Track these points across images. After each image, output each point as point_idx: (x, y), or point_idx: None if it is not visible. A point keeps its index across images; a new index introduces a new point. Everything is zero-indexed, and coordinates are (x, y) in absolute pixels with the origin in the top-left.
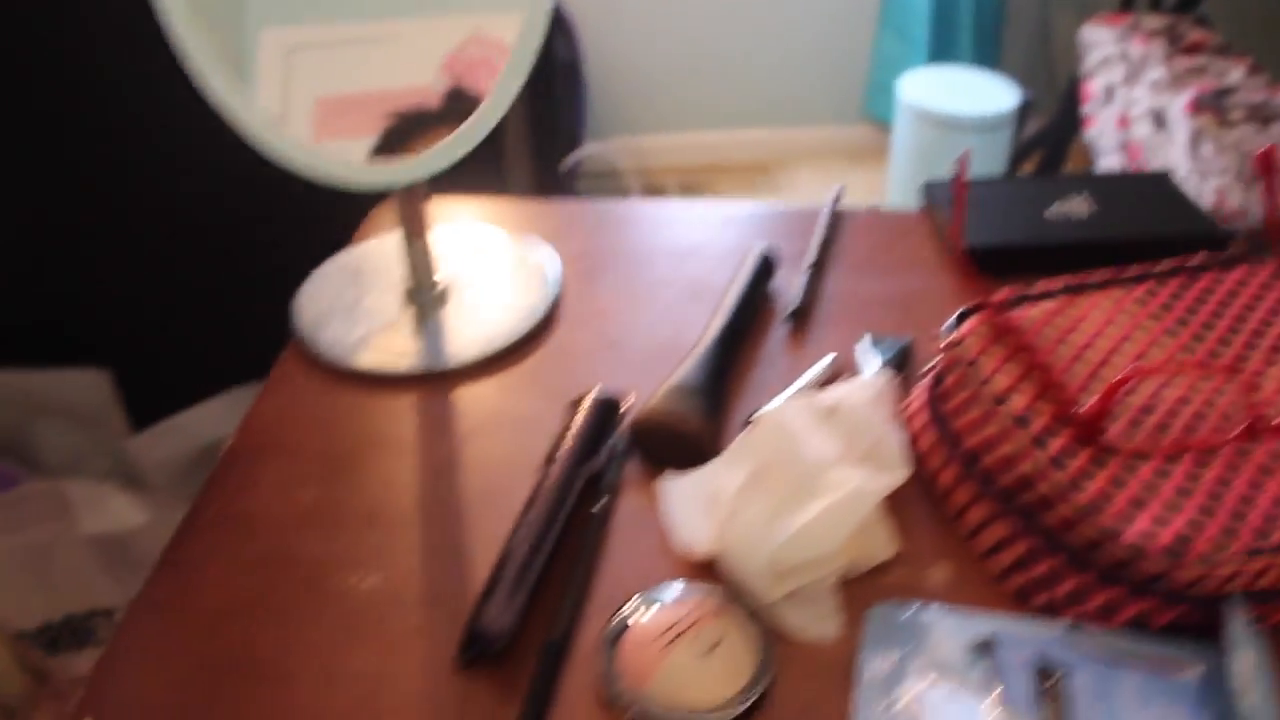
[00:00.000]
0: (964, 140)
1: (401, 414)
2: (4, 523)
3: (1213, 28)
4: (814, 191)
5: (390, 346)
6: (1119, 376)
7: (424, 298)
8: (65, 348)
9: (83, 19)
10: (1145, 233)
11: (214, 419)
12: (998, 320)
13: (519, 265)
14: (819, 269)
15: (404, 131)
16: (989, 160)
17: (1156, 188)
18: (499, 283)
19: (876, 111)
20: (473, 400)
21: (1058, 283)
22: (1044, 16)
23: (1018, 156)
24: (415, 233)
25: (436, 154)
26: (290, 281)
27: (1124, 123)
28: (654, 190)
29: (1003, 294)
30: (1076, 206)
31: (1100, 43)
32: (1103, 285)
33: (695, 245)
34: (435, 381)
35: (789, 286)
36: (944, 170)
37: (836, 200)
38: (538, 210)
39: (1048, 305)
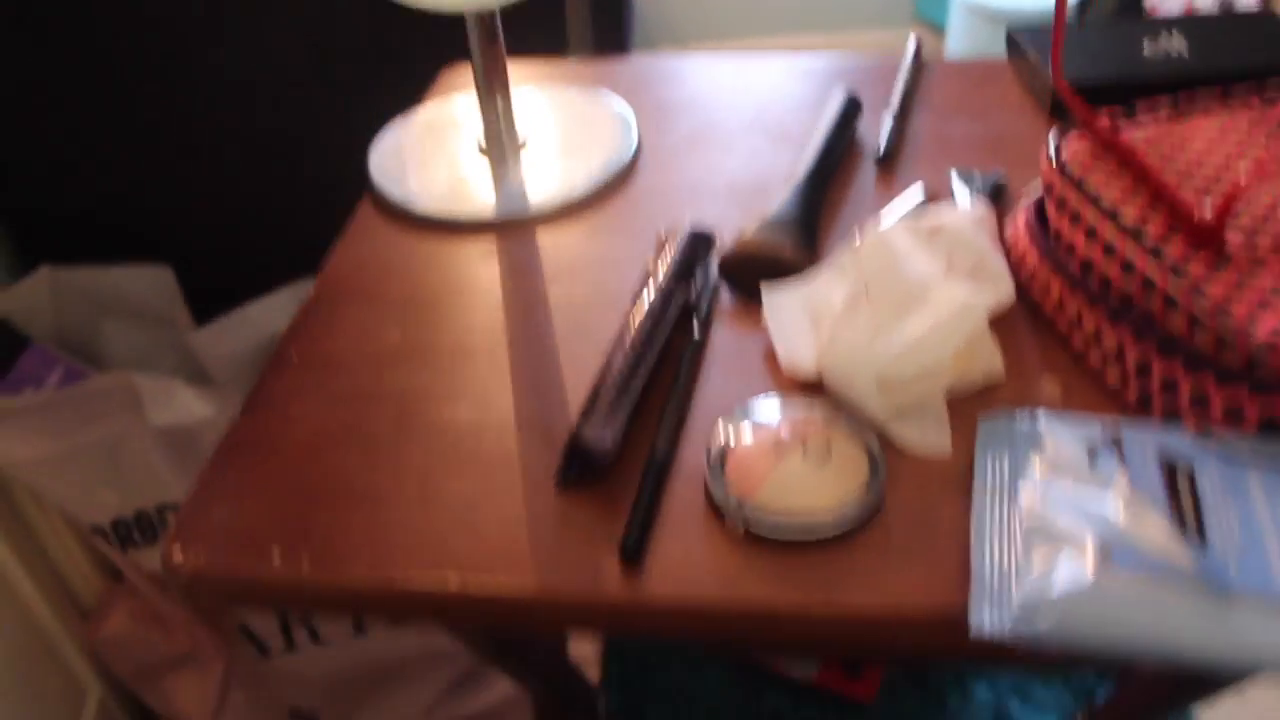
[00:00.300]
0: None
1: (483, 260)
2: (74, 416)
3: None
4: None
5: (469, 196)
6: (1241, 181)
7: (502, 148)
8: (128, 246)
9: None
10: (1249, 65)
11: (277, 311)
12: (1103, 137)
13: (595, 118)
14: (904, 113)
15: None
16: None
17: (1255, 24)
18: (576, 135)
19: (927, 12)
20: (556, 245)
21: (1161, 109)
22: None
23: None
24: (493, 80)
25: None
26: (350, 173)
27: None
28: None
29: (1104, 118)
30: (1174, 44)
31: None
32: (1208, 110)
33: (775, 94)
34: (516, 228)
35: (874, 131)
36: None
37: (918, 50)
38: (609, 68)
39: (1153, 126)
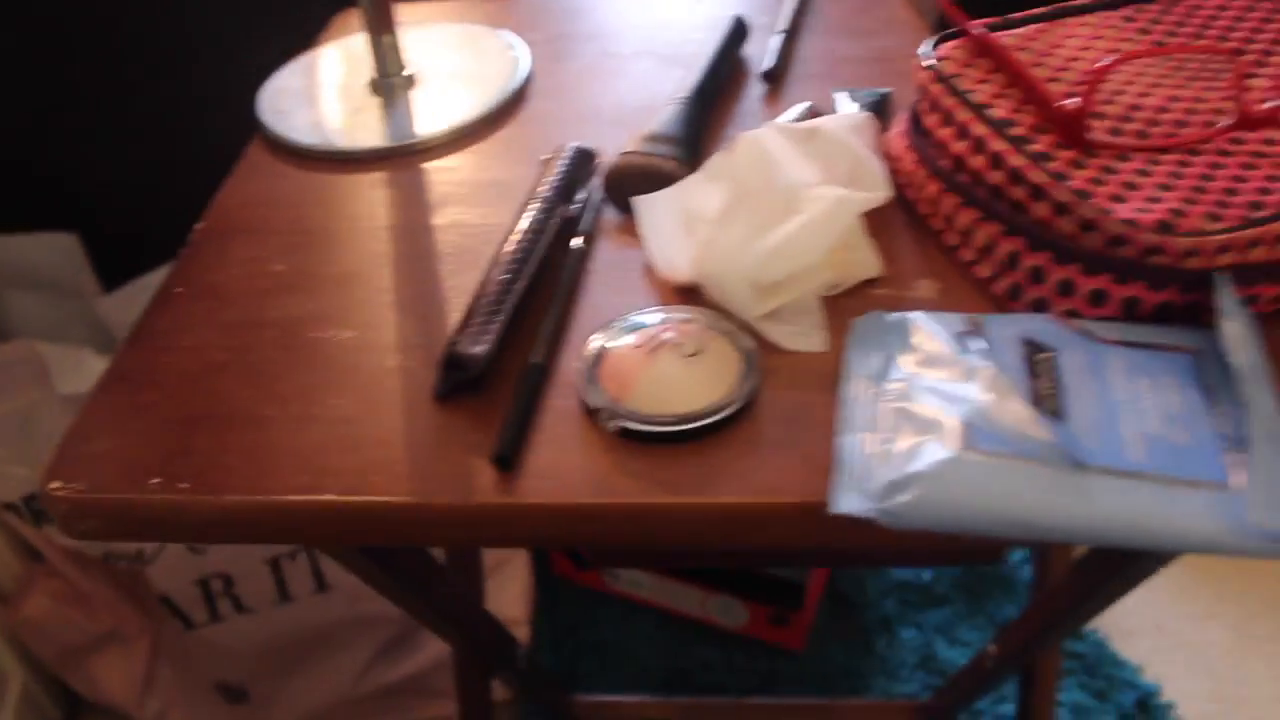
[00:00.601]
0: None
1: (371, 190)
2: None
3: None
4: None
5: (358, 130)
6: (1100, 65)
7: (390, 82)
8: (32, 213)
9: None
10: None
11: None
12: (977, 39)
13: (487, 51)
14: (792, 34)
15: None
16: None
17: None
18: (467, 68)
19: None
20: (444, 172)
21: (1038, 11)
22: None
23: None
24: (381, 22)
25: None
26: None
27: None
28: None
29: (981, 21)
30: None
31: None
32: (1084, 9)
33: (667, 20)
34: (405, 159)
35: (763, 53)
36: None
37: None
38: (504, 6)
39: (1027, 29)
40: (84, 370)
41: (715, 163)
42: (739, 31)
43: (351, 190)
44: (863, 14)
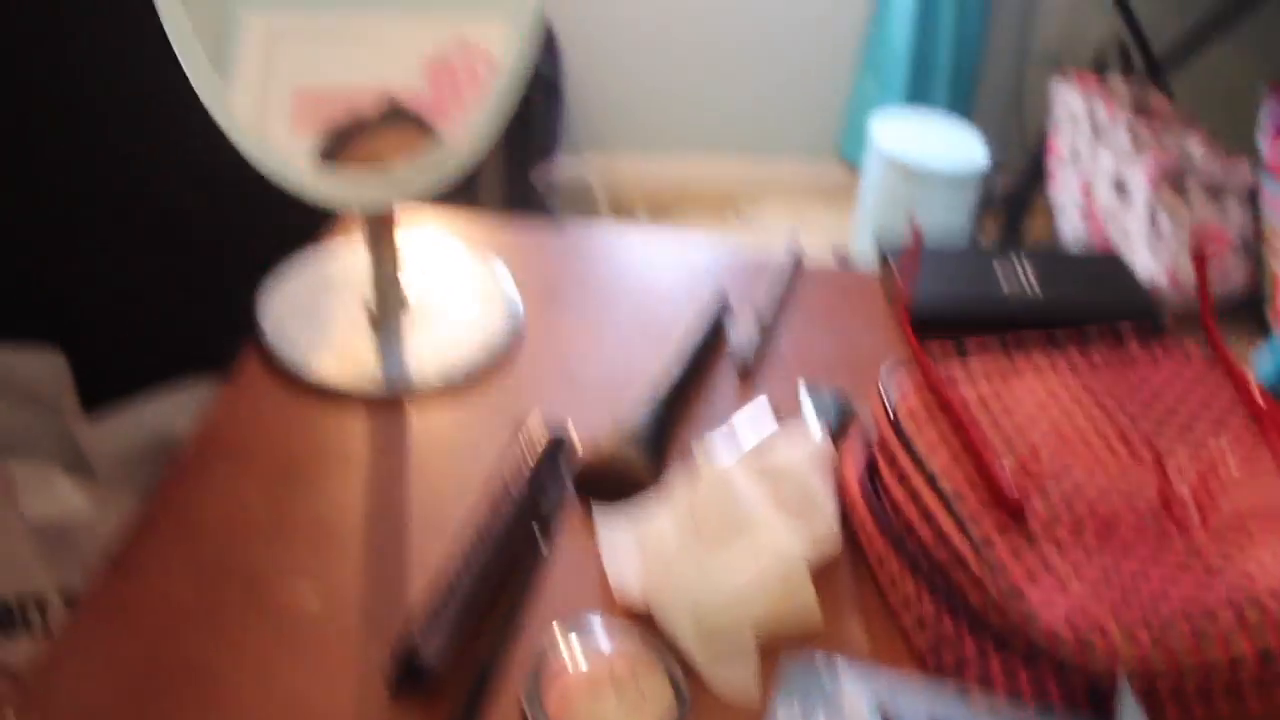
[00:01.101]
0: (930, 192)
1: (356, 430)
2: None
3: (1174, 97)
4: (781, 227)
5: (351, 359)
6: (1046, 458)
7: (387, 315)
8: (19, 327)
9: None
10: (1086, 311)
11: (169, 411)
12: (936, 396)
13: (483, 289)
14: (772, 322)
15: (345, 136)
16: (953, 212)
17: (1105, 267)
18: (462, 306)
19: (849, 152)
20: (427, 425)
21: (991, 347)
22: (1019, 68)
23: (982, 207)
24: (382, 255)
25: (416, 173)
26: (256, 271)
27: (1086, 190)
28: (622, 213)
29: (935, 360)
30: (1024, 280)
31: (1069, 100)
32: (1037, 363)
33: (657, 280)
34: (392, 403)
35: (743, 333)
36: (906, 219)
37: (793, 255)
38: (504, 230)
39: (984, 387)
40: (54, 492)
41: (677, 490)
42: (721, 315)
43: (337, 428)
44: (843, 302)
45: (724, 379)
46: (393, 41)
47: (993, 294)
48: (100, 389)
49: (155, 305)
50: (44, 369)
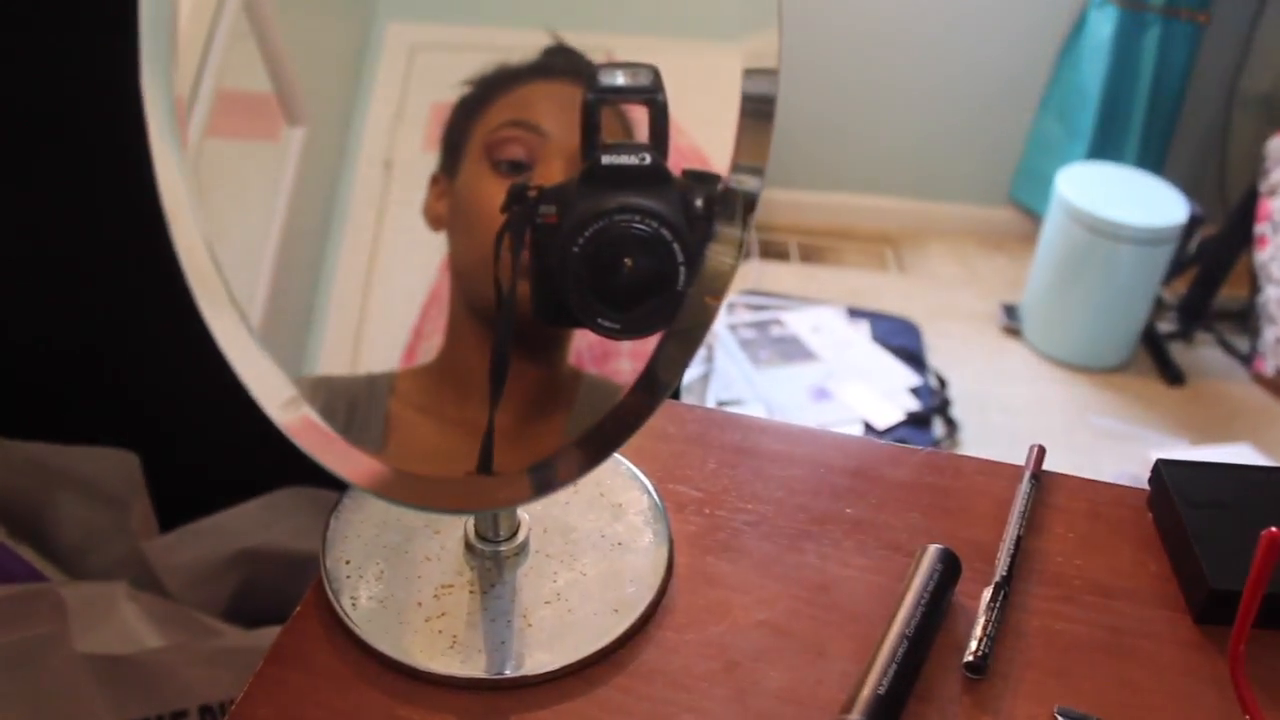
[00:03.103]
0: (1122, 249)
1: None
2: None
3: None
4: (943, 270)
5: (439, 624)
6: None
7: (497, 551)
8: (96, 436)
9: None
10: None
11: (244, 525)
12: None
13: (617, 514)
14: (1006, 593)
15: None
16: (1144, 275)
17: None
18: (593, 544)
19: (1023, 197)
20: None
21: None
22: (1224, 121)
23: (1174, 271)
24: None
25: None
26: None
27: None
28: (774, 250)
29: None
30: None
31: None
32: None
33: (844, 489)
34: (491, 692)
35: (966, 604)
36: (1093, 278)
37: (1033, 480)
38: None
39: None
40: (112, 619)
41: None
42: (947, 574)
43: None
44: (1100, 552)
45: (949, 674)
46: None
47: None
48: (176, 501)
49: (235, 415)
50: (115, 467)
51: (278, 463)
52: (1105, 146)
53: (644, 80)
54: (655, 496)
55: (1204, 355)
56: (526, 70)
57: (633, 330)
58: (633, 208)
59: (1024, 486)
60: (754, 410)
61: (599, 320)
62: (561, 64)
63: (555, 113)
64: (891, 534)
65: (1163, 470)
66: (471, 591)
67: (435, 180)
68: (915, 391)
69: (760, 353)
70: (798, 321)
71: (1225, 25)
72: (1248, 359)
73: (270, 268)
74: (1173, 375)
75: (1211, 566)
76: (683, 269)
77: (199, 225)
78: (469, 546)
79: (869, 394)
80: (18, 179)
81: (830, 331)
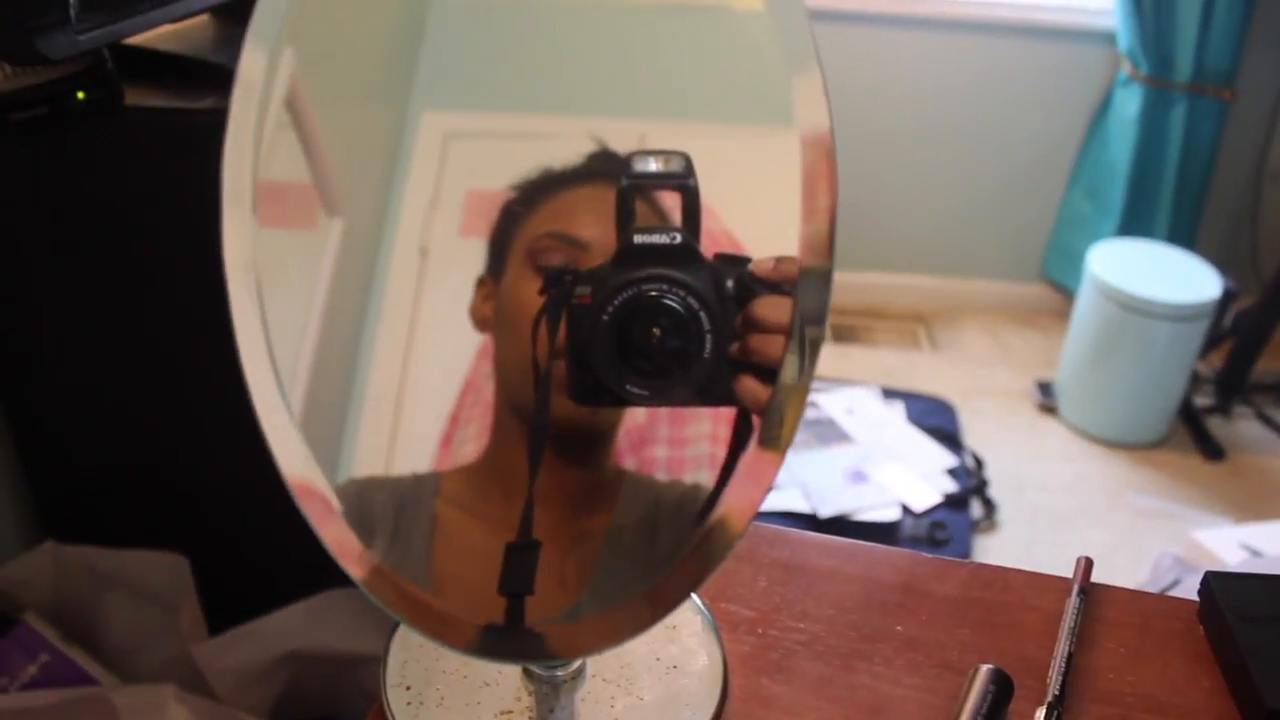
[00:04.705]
0: (1156, 326)
1: None
2: None
3: None
4: (977, 348)
5: None
6: None
7: (550, 682)
8: (147, 538)
9: None
10: None
11: (291, 626)
12: None
13: (675, 640)
14: (1059, 714)
15: None
16: (1179, 350)
17: None
18: (648, 667)
19: (1055, 274)
20: None
21: None
22: (1254, 195)
23: (1209, 345)
24: None
25: None
26: None
27: None
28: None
29: None
30: None
31: None
32: None
33: (894, 605)
34: None
35: None
36: (1128, 354)
37: (1082, 594)
38: None
39: None
40: None
41: None
42: (1001, 696)
43: None
44: (1151, 665)
45: None
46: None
47: None
48: (224, 604)
49: (282, 517)
50: (165, 570)
51: (324, 564)
52: (1136, 222)
53: (676, 166)
54: (708, 616)
55: (1243, 429)
56: (570, 175)
57: (661, 397)
58: (661, 277)
59: (1073, 601)
60: (790, 495)
61: (628, 387)
62: (604, 167)
63: (595, 221)
64: (942, 652)
65: (1213, 583)
66: (530, 718)
67: (482, 282)
68: (952, 472)
69: (795, 436)
70: (832, 403)
71: (1251, 101)
72: None
73: (310, 357)
74: (1212, 450)
75: (1269, 686)
76: (710, 337)
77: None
78: (526, 671)
79: (906, 476)
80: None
81: (865, 413)
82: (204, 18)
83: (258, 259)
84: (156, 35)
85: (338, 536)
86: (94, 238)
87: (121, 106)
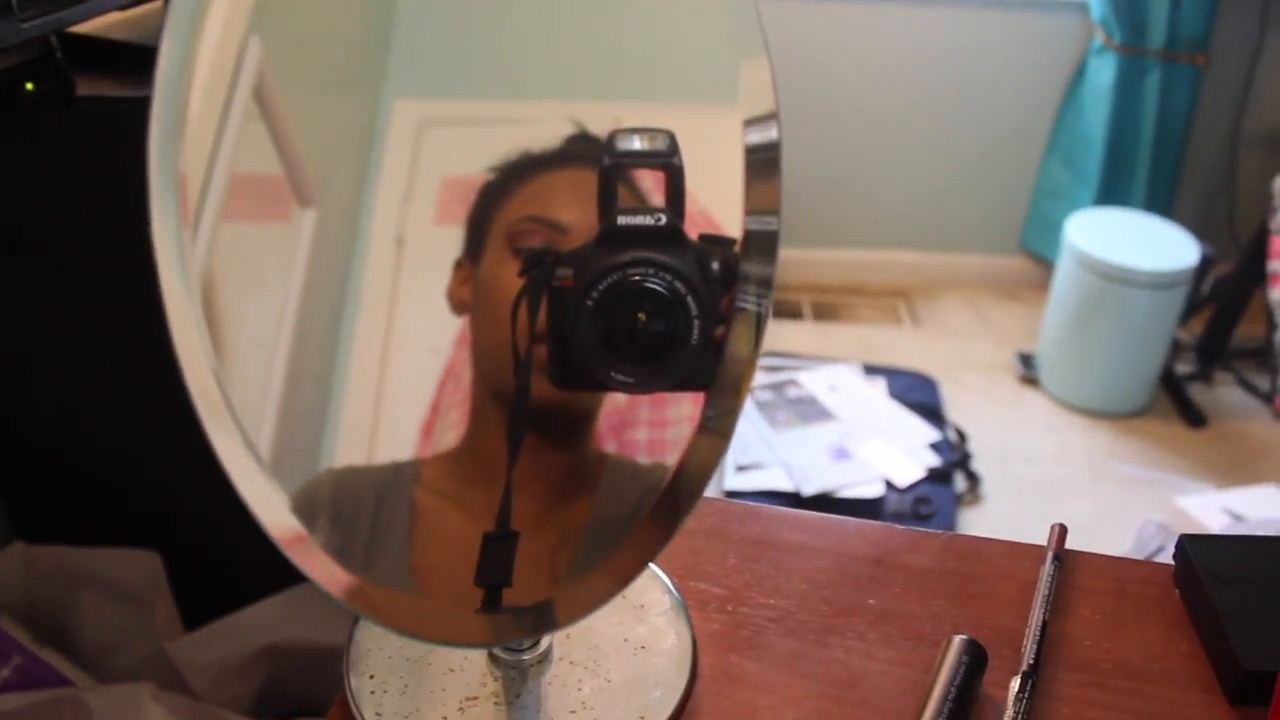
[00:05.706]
0: (1135, 294)
1: None
2: None
3: None
4: (958, 322)
5: None
6: None
7: (516, 666)
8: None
9: None
10: None
11: (268, 620)
12: None
13: (639, 616)
14: (1034, 682)
15: None
16: (1159, 318)
17: None
18: (616, 649)
19: (1034, 245)
20: None
21: None
22: (1230, 160)
23: (1189, 312)
24: None
25: None
26: None
27: None
28: (787, 309)
29: None
30: None
31: None
32: None
33: (867, 578)
34: None
35: (995, 694)
36: (1108, 323)
37: (1056, 561)
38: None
39: None
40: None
41: None
42: (974, 665)
43: None
44: (1126, 632)
45: None
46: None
47: None
48: (199, 599)
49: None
50: (138, 567)
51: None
52: (1113, 191)
53: (661, 145)
54: (677, 595)
55: (1224, 395)
56: (548, 158)
57: (647, 385)
58: (647, 261)
59: (1047, 568)
60: (774, 473)
61: (613, 374)
62: (583, 150)
63: (575, 204)
64: (916, 624)
65: (1188, 546)
66: (496, 703)
67: (459, 265)
68: (935, 447)
69: (777, 414)
70: (814, 381)
71: (1224, 66)
72: (1268, 397)
73: (286, 349)
74: (1194, 417)
75: (1244, 648)
76: (697, 323)
77: (200, 335)
78: (492, 656)
79: (889, 452)
80: (41, 279)
81: (847, 390)
82: (156, 4)
83: (213, 268)
84: (108, 23)
85: (326, 573)
86: (47, 232)
87: (73, 97)
